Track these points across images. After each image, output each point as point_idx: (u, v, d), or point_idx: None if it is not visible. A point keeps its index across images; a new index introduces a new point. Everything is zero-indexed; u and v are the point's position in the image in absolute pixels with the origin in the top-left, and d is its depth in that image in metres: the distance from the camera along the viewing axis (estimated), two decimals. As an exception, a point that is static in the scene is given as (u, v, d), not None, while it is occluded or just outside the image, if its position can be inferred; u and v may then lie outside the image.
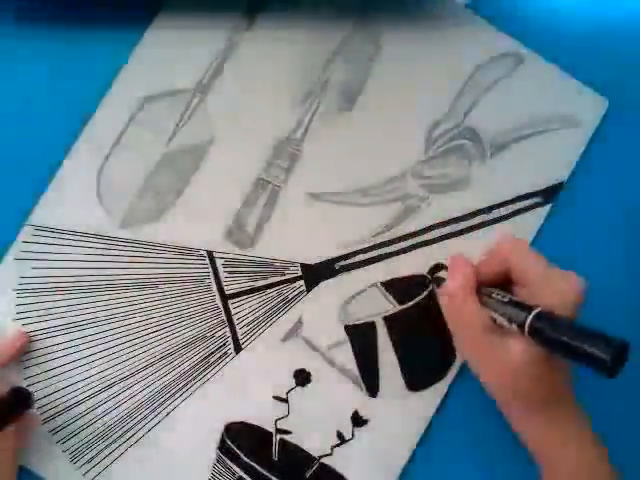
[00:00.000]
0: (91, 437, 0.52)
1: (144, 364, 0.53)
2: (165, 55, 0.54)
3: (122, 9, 0.54)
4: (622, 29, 0.57)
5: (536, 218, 0.55)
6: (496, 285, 0.48)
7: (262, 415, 0.53)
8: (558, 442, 0.47)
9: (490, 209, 0.55)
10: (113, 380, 0.53)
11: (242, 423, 0.53)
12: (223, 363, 0.53)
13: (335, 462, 0.53)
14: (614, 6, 0.57)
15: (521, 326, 0.44)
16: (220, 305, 0.54)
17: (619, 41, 0.57)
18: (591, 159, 0.55)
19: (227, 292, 0.54)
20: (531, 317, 0.43)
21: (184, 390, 0.53)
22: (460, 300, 0.48)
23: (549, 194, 0.55)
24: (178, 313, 0.53)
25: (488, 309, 0.47)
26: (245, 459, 0.53)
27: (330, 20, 0.55)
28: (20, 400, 0.50)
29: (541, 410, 0.47)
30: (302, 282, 0.54)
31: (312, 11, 0.55)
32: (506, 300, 0.46)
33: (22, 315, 0.52)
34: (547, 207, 0.55)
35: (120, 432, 0.52)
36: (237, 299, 0.54)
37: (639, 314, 0.56)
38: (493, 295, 0.47)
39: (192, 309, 0.53)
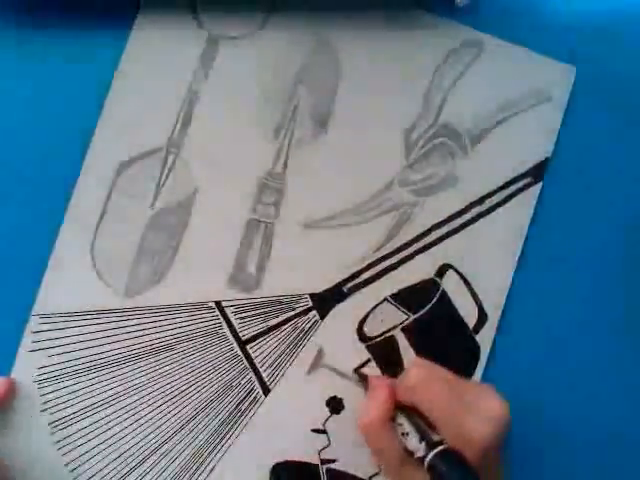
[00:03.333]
0: (141, 509, 0.53)
1: (176, 428, 0.53)
2: (131, 117, 0.54)
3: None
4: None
5: (530, 198, 0.55)
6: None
7: (304, 450, 0.53)
8: None
9: (482, 200, 0.55)
10: (148, 451, 0.53)
11: (287, 462, 0.53)
12: (254, 409, 0.53)
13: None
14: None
15: (420, 460, 0.44)
16: (239, 352, 0.54)
17: (575, 7, 0.57)
18: (571, 128, 0.55)
19: (243, 338, 0.54)
20: (430, 456, 0.43)
21: (222, 445, 0.53)
22: (376, 430, 0.47)
23: (538, 172, 0.55)
24: (199, 370, 0.53)
25: (399, 434, 0.46)
26: (296, 496, 0.53)
27: (286, 49, 0.55)
28: None
29: None
30: (315, 312, 0.54)
31: (265, 45, 0.54)
32: (414, 432, 0.45)
33: (47, 405, 0.52)
34: (538, 185, 0.55)
35: (169, 498, 0.53)
36: (255, 342, 0.54)
37: (636, 285, 0.56)
38: (404, 425, 0.46)
39: (212, 362, 0.53)
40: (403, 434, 0.46)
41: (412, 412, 0.47)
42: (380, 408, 0.47)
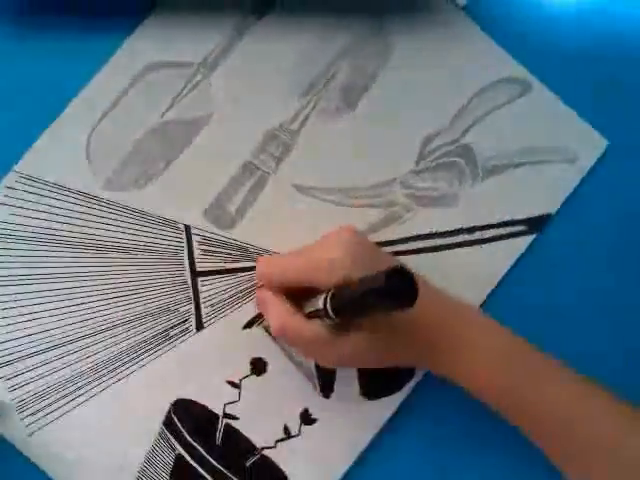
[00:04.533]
0: (40, 390, 0.52)
1: (104, 327, 0.53)
2: (175, 27, 0.54)
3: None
4: (635, 76, 0.57)
5: (517, 246, 0.55)
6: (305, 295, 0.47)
7: (212, 397, 0.53)
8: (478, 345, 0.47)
9: (473, 230, 0.55)
10: (71, 337, 0.52)
11: (191, 401, 0.53)
12: (182, 339, 0.53)
13: (277, 456, 0.53)
14: (633, 55, 0.57)
15: (328, 315, 0.43)
16: (189, 281, 0.53)
17: (630, 87, 0.57)
18: (582, 197, 0.55)
19: (198, 269, 0.54)
20: (328, 303, 0.42)
21: (139, 359, 0.53)
22: (291, 329, 0.46)
23: (534, 224, 0.55)
24: (145, 282, 0.53)
25: (315, 321, 0.46)
26: (187, 437, 0.52)
27: (345, 18, 0.55)
28: None
29: (437, 346, 0.47)
30: (270, 270, 0.54)
31: (327, 8, 0.55)
32: (312, 304, 0.45)
33: (-8, 259, 0.53)
34: (531, 237, 0.55)
35: (69, 390, 0.52)
36: (207, 278, 0.54)
37: (613, 350, 0.55)
38: (306, 308, 0.46)
39: (160, 280, 0.53)
40: (313, 315, 0.46)
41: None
42: (279, 307, 0.47)
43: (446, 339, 0.47)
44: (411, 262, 0.53)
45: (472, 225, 0.55)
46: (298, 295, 0.48)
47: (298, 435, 0.53)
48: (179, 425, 0.52)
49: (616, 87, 0.56)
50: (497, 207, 0.55)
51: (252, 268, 0.54)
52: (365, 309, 0.41)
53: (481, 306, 0.54)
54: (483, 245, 0.55)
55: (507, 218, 0.55)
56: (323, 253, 0.46)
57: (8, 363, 0.52)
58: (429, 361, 0.49)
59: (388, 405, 0.53)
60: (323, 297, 0.43)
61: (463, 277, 0.54)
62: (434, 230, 0.55)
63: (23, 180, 0.53)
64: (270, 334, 0.53)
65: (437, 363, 0.48)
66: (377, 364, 0.49)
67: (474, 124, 0.55)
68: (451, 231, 0.55)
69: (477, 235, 0.55)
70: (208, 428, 0.52)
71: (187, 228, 0.54)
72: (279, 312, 0.47)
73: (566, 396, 0.46)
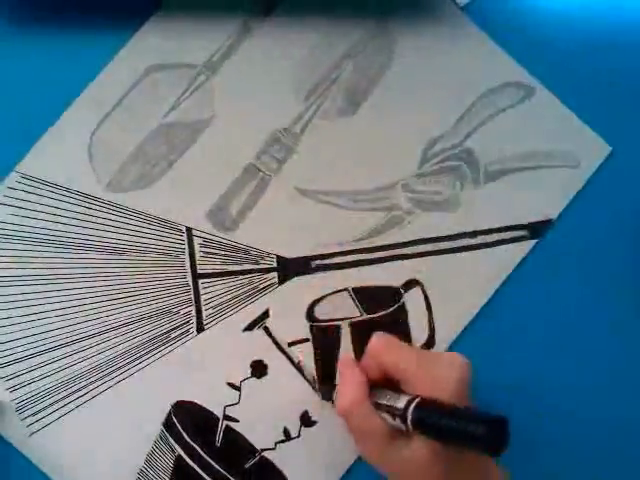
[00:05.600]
0: (40, 391, 0.52)
1: (105, 328, 0.53)
2: (179, 28, 0.54)
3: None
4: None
5: (519, 251, 0.55)
6: (385, 385, 0.46)
7: (212, 399, 0.53)
8: None
9: (475, 234, 0.55)
10: (72, 338, 0.52)
11: (191, 403, 0.53)
12: (183, 340, 0.53)
13: (276, 458, 0.53)
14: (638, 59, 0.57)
15: (405, 422, 0.41)
16: (190, 283, 0.53)
17: (635, 92, 0.56)
18: (584, 202, 0.55)
19: (199, 271, 0.54)
20: (411, 409, 0.41)
21: (140, 361, 0.53)
22: (355, 415, 0.45)
23: (536, 229, 0.55)
24: (147, 284, 0.53)
25: (381, 413, 0.44)
26: (187, 439, 0.52)
27: (349, 21, 0.55)
28: None
29: None
30: (275, 274, 0.54)
31: (331, 8, 0.55)
32: (389, 399, 0.44)
33: (-7, 259, 0.53)
34: (532, 242, 0.55)
35: (69, 391, 0.52)
36: (208, 280, 0.54)
37: (615, 353, 0.55)
38: (380, 399, 0.44)
39: (161, 282, 0.53)
40: (383, 408, 0.44)
41: (385, 386, 0.46)
42: (356, 387, 0.45)
43: None
44: (412, 266, 0.54)
45: (474, 229, 0.55)
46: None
47: (298, 437, 0.53)
48: (179, 427, 0.52)
49: (620, 92, 0.56)
50: (499, 212, 0.55)
51: (253, 271, 0.54)
52: (445, 437, 0.40)
53: (481, 310, 0.54)
54: (484, 249, 0.55)
55: (509, 223, 0.55)
56: (437, 367, 0.44)
57: (9, 363, 0.52)
58: None
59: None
60: (407, 399, 0.42)
61: (464, 281, 0.54)
62: (436, 234, 0.55)
63: (24, 180, 0.53)
64: (272, 339, 0.53)
65: None
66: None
67: (477, 128, 0.55)
68: (453, 235, 0.55)
69: (479, 239, 0.55)
70: (208, 430, 0.52)
71: (189, 230, 0.54)
72: (354, 392, 0.45)
73: None
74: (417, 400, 0.41)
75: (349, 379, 0.46)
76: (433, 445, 0.42)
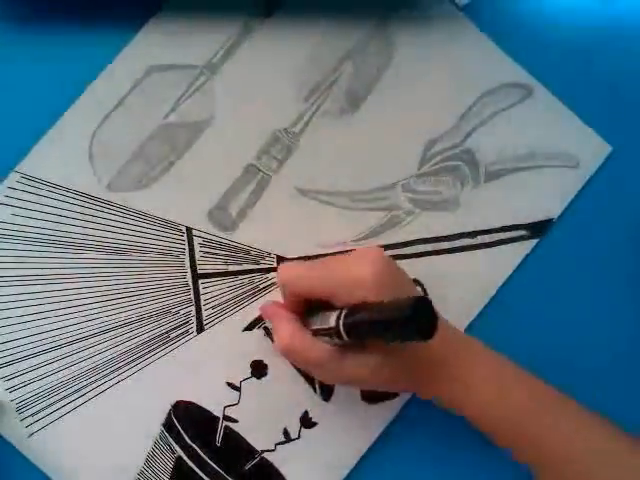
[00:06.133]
0: (40, 391, 0.52)
1: (105, 328, 0.53)
2: (180, 28, 0.54)
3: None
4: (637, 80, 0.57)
5: (519, 251, 0.55)
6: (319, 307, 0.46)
7: (212, 399, 0.53)
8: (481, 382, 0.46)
9: (475, 234, 0.55)
10: (72, 338, 0.52)
11: (190, 403, 0.53)
12: (183, 341, 0.53)
13: (276, 459, 0.52)
14: (637, 59, 0.57)
15: (341, 337, 0.42)
16: (190, 283, 0.53)
17: (635, 92, 0.56)
18: (584, 202, 0.55)
19: (199, 271, 0.54)
20: (341, 323, 0.41)
21: (139, 361, 0.53)
22: (298, 349, 0.45)
23: (536, 229, 0.55)
24: (146, 284, 0.53)
25: (321, 338, 0.45)
26: (187, 440, 0.52)
27: (348, 21, 0.55)
28: None
29: (438, 374, 0.46)
30: (275, 274, 0.54)
31: (331, 9, 0.55)
32: (321, 322, 0.44)
33: (-7, 259, 0.53)
34: (533, 242, 0.55)
35: (69, 391, 0.52)
36: (208, 280, 0.54)
37: (615, 354, 0.55)
38: (313, 325, 0.45)
39: (161, 282, 0.53)
40: (320, 332, 0.45)
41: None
42: (286, 323, 0.46)
43: (447, 370, 0.46)
44: (412, 266, 0.53)
45: (474, 229, 0.55)
46: (307, 307, 0.47)
47: (298, 438, 0.53)
48: (179, 427, 0.52)
49: (620, 92, 0.56)
50: (499, 211, 0.55)
51: (253, 270, 0.54)
52: (379, 335, 0.41)
53: (483, 310, 0.54)
54: (485, 249, 0.55)
55: (509, 223, 0.55)
56: (347, 270, 0.44)
57: (9, 363, 0.52)
58: (429, 390, 0.47)
59: (388, 409, 0.53)
60: (336, 315, 0.42)
61: (464, 281, 0.54)
62: (436, 234, 0.55)
63: (25, 180, 0.53)
64: (272, 339, 0.53)
65: (437, 392, 0.47)
66: (377, 387, 0.48)
67: (476, 128, 0.55)
68: (453, 235, 0.55)
69: (479, 239, 0.55)
70: (208, 430, 0.52)
71: (189, 230, 0.54)
72: (287, 331, 0.46)
73: (566, 429, 0.45)
74: (344, 312, 0.42)
75: (279, 321, 0.47)
76: (373, 354, 0.44)
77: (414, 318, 0.37)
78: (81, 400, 0.52)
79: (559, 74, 0.56)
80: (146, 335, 0.53)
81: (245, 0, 0.55)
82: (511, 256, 0.54)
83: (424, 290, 0.54)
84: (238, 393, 0.53)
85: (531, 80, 0.55)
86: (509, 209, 0.55)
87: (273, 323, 0.48)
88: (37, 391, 0.52)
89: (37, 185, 0.53)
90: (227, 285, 0.54)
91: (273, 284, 0.54)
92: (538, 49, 0.56)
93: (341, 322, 0.42)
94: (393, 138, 0.55)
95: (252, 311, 0.54)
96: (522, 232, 0.55)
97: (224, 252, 0.54)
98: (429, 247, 0.55)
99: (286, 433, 0.53)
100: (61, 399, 0.52)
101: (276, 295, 0.53)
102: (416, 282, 0.54)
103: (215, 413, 0.53)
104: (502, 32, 0.55)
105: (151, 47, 0.54)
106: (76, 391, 0.52)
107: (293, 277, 0.47)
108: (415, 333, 0.37)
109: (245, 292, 0.54)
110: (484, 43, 0.55)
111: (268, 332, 0.53)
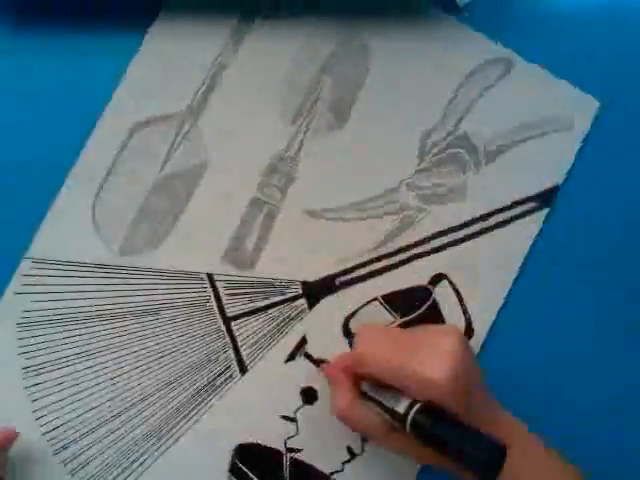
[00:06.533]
0: (101, 467, 0.52)
1: (150, 391, 0.53)
2: (154, 81, 0.54)
3: (108, 35, 0.54)
4: (610, 29, 0.57)
5: (534, 223, 0.55)
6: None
7: (271, 435, 0.53)
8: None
9: (488, 216, 0.55)
10: (121, 409, 0.52)
11: (252, 444, 0.53)
12: (229, 386, 0.53)
13: (347, 478, 0.53)
14: (601, 5, 0.57)
15: (400, 421, 0.42)
16: (223, 328, 0.53)
17: (607, 41, 0.57)
18: (586, 160, 0.56)
19: (229, 314, 0.54)
20: (410, 416, 0.42)
21: (192, 415, 0.53)
22: (350, 413, 0.46)
23: (546, 198, 0.55)
24: (181, 338, 0.53)
25: (374, 406, 0.45)
26: (256, 480, 0.53)
27: (316, 37, 0.55)
28: None
29: None
30: (303, 300, 0.54)
31: (297, 30, 0.55)
32: (385, 398, 0.44)
33: (26, 349, 0.52)
34: (545, 211, 0.55)
35: (129, 461, 0.52)
36: (239, 321, 0.54)
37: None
38: (377, 396, 0.45)
39: (195, 333, 0.53)
40: (376, 403, 0.45)
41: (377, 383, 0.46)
42: (345, 392, 0.47)
43: None
44: (434, 262, 0.54)
45: (485, 212, 0.55)
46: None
47: (362, 453, 0.53)
48: (246, 470, 0.53)
49: (596, 45, 0.56)
50: (506, 189, 0.55)
51: (281, 302, 0.54)
52: (442, 450, 0.41)
53: (512, 288, 0.54)
54: (500, 229, 0.55)
55: (517, 198, 0.55)
56: (421, 367, 0.43)
57: (65, 446, 0.52)
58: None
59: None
60: (407, 404, 0.42)
61: (488, 264, 0.55)
62: (449, 225, 0.55)
63: (37, 265, 0.53)
64: (315, 364, 0.53)
65: None
66: (418, 462, 0.51)
67: (466, 112, 0.55)
68: (466, 222, 0.55)
69: (492, 221, 0.55)
70: (274, 466, 0.53)
71: (209, 276, 0.54)
72: (345, 400, 0.46)
73: None
74: (417, 406, 0.42)
75: (339, 385, 0.47)
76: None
77: (488, 464, 0.38)
78: (143, 467, 0.52)
79: (533, 41, 0.56)
80: (192, 389, 0.53)
81: (217, 41, 0.54)
82: (527, 229, 0.55)
83: (451, 283, 0.54)
84: (295, 423, 0.53)
85: (509, 53, 0.55)
86: (515, 184, 0.55)
87: (332, 386, 0.49)
88: (98, 469, 0.52)
89: (50, 266, 0.53)
90: (259, 322, 0.54)
91: (303, 310, 0.54)
92: (508, 21, 0.56)
93: (410, 417, 0.42)
94: (387, 140, 0.55)
95: (289, 341, 0.54)
96: (532, 204, 0.55)
97: (249, 290, 0.54)
98: (446, 239, 0.55)
99: (350, 450, 0.53)
100: (122, 471, 0.52)
101: (308, 321, 0.53)
102: (441, 276, 0.54)
103: (278, 448, 0.53)
104: (469, 11, 0.55)
105: (129, 105, 0.53)
106: (135, 460, 0.52)
107: (359, 363, 0.47)
108: (478, 471, 0.39)
109: (278, 324, 0.54)
110: (456, 27, 0.55)
111: (310, 357, 0.53)
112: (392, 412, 0.43)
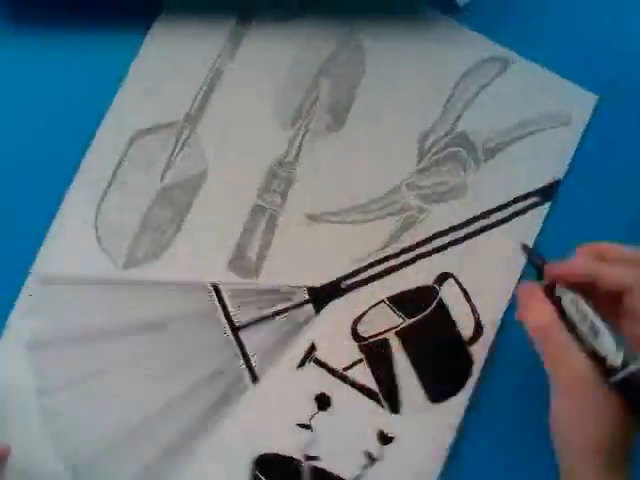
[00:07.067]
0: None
1: (162, 408, 0.52)
2: (150, 89, 0.53)
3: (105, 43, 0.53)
4: (605, 23, 0.57)
5: (536, 218, 0.55)
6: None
7: (288, 444, 0.52)
8: None
9: (489, 213, 0.55)
10: (131, 429, 0.51)
11: (270, 454, 0.52)
12: (242, 396, 0.52)
13: (369, 482, 0.53)
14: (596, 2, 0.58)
15: (609, 374, 0.36)
16: (232, 338, 0.53)
17: (603, 36, 0.57)
18: (585, 155, 0.56)
19: (237, 324, 0.53)
20: (627, 372, 0.35)
21: (206, 430, 0.52)
22: (552, 343, 0.40)
23: (546, 193, 0.56)
24: (191, 351, 0.52)
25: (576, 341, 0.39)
26: (276, 490, 0.52)
27: (314, 40, 0.55)
28: None
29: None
30: (310, 305, 0.54)
31: (295, 33, 0.54)
32: (607, 330, 0.37)
33: (37, 368, 0.51)
34: (546, 206, 0.55)
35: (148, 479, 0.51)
36: (248, 329, 0.53)
37: None
38: (587, 337, 0.38)
39: (204, 346, 0.53)
40: (575, 332, 0.38)
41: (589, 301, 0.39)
42: (547, 305, 0.41)
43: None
44: (438, 261, 0.54)
45: (487, 209, 0.55)
46: None
47: (381, 456, 0.53)
48: (265, 480, 0.52)
49: (592, 40, 0.57)
50: (506, 185, 0.55)
51: (287, 309, 0.53)
52: None
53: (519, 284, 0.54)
54: (503, 226, 0.55)
55: (519, 193, 0.55)
56: None
57: (81, 466, 0.51)
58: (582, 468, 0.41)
59: (457, 404, 0.53)
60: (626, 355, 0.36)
61: (493, 261, 0.55)
62: (452, 224, 0.55)
63: (43, 283, 0.52)
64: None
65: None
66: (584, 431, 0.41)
67: (464, 110, 0.56)
68: (468, 220, 0.55)
69: (494, 218, 0.55)
70: (294, 475, 0.52)
71: (215, 286, 0.53)
72: (547, 313, 0.41)
73: None
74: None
75: (538, 300, 0.42)
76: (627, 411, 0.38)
77: None
78: (162, 484, 0.52)
79: (529, 37, 0.56)
80: (205, 402, 0.52)
81: (215, 45, 0.54)
82: (530, 224, 0.55)
83: (457, 282, 0.54)
84: (311, 430, 0.53)
85: (504, 51, 0.56)
86: (515, 180, 0.56)
87: (529, 302, 0.43)
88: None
89: (55, 284, 0.51)
90: (267, 329, 0.53)
91: (310, 316, 0.54)
92: (503, 19, 0.56)
93: (628, 372, 0.35)
94: (386, 141, 0.55)
95: (299, 347, 0.53)
96: (533, 199, 0.55)
97: (255, 298, 0.53)
98: (449, 238, 0.55)
99: (368, 455, 0.53)
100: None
101: (316, 327, 0.53)
102: (447, 275, 0.55)
103: (295, 456, 0.52)
104: (469, 12, 0.55)
105: (127, 115, 0.53)
106: (154, 477, 0.51)
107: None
108: None
109: (286, 331, 0.53)
110: (452, 26, 0.55)
111: (321, 363, 0.53)
112: (599, 357, 0.37)
